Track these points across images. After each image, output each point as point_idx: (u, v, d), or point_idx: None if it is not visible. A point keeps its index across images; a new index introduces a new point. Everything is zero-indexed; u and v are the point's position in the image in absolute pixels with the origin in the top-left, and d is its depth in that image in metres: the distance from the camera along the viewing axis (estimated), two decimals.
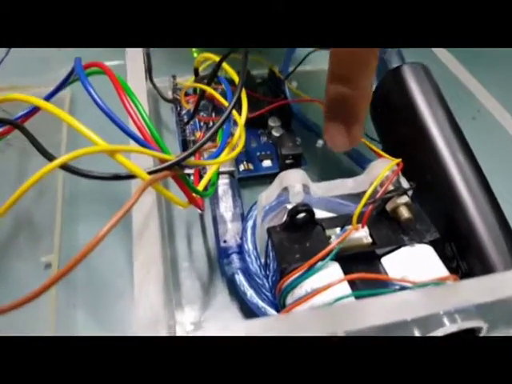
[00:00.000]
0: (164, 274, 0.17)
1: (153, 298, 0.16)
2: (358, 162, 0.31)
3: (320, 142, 0.35)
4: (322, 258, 0.20)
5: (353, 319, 0.15)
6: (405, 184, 0.24)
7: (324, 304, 0.19)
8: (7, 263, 0.26)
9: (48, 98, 0.24)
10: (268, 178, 0.32)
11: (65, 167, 0.18)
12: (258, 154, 0.32)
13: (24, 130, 0.21)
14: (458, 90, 0.31)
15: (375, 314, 0.16)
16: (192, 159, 0.21)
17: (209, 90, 0.27)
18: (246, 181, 0.31)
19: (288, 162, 0.31)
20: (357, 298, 0.19)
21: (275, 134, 0.33)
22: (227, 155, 0.24)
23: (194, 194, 0.22)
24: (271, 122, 0.34)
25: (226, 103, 0.26)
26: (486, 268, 0.22)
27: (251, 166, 0.32)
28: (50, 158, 0.20)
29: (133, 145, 0.20)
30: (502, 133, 0.36)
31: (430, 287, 0.19)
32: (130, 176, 0.19)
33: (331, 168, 0.33)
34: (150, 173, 0.19)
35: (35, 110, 0.23)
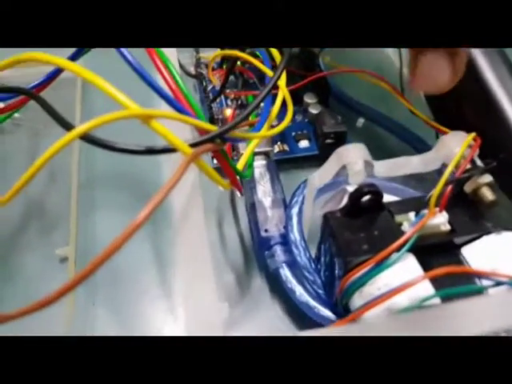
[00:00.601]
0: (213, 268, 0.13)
1: (206, 296, 0.12)
2: (407, 142, 0.28)
3: (361, 121, 0.31)
4: (397, 250, 0.16)
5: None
6: (479, 162, 0.20)
7: (407, 307, 0.15)
8: (19, 257, 0.23)
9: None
10: (305, 161, 0.28)
11: (86, 138, 0.15)
12: (294, 133, 0.29)
13: (40, 100, 0.18)
14: None
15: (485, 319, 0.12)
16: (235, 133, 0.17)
17: (246, 56, 0.24)
18: (281, 164, 0.28)
19: (329, 141, 0.27)
20: (442, 298, 0.16)
21: (312, 111, 0.29)
22: (270, 129, 0.21)
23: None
24: (307, 99, 0.30)
25: (268, 71, 0.23)
26: None
27: (286, 147, 0.28)
28: (68, 127, 0.16)
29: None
30: None
31: None
32: (168, 149, 0.15)
33: (376, 149, 0.30)
34: (192, 145, 0.15)
35: (52, 76, 0.20)
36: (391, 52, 0.37)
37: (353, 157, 0.19)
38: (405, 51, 0.32)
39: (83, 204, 0.25)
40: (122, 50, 0.15)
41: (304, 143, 0.29)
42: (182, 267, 0.13)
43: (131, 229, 0.12)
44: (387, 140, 0.30)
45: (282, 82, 0.22)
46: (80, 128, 0.14)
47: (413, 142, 0.27)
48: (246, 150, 0.20)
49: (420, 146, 0.27)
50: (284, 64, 0.19)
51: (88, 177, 0.26)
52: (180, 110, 0.16)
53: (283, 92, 0.21)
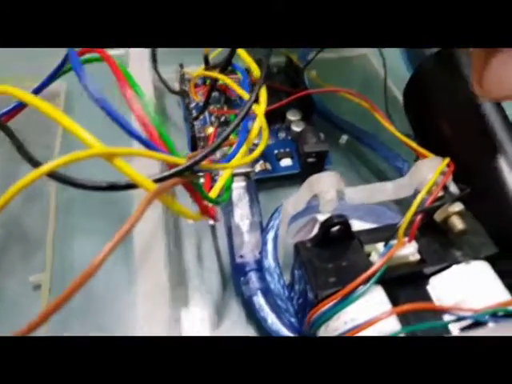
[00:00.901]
0: (170, 309, 0.13)
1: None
2: (388, 161, 0.28)
3: (344, 138, 0.31)
4: (364, 282, 0.16)
5: None
6: (453, 188, 0.20)
7: None
8: None
9: (37, 91, 0.20)
10: (287, 180, 0.28)
11: (53, 175, 0.15)
12: (276, 151, 0.29)
13: (6, 130, 0.18)
14: None
15: None
16: (204, 163, 0.17)
17: (223, 78, 0.24)
18: (263, 183, 0.28)
19: (310, 160, 0.27)
20: (406, 334, 0.16)
21: (295, 128, 0.29)
22: (244, 156, 0.21)
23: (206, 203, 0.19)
24: (290, 116, 0.30)
25: (244, 94, 0.23)
26: None
27: (268, 166, 0.28)
28: (34, 163, 0.16)
29: (136, 147, 0.16)
30: None
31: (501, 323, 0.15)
32: (132, 185, 0.15)
33: (358, 167, 0.30)
34: (156, 181, 0.15)
35: (21, 105, 0.20)
36: (377, 64, 0.37)
37: (324, 186, 0.19)
38: (390, 62, 0.32)
39: (61, 228, 0.25)
40: (90, 89, 0.15)
41: (286, 161, 0.29)
42: (142, 308, 0.13)
43: (94, 266, 0.12)
44: (370, 158, 0.30)
45: (261, 107, 0.22)
46: (46, 166, 0.14)
47: (394, 161, 0.27)
48: (220, 178, 0.20)
49: (401, 165, 0.27)
50: (258, 88, 0.19)
51: (66, 200, 0.26)
52: (147, 145, 0.16)
53: (260, 120, 0.21)
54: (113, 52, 0.33)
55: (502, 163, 0.21)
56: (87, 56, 0.19)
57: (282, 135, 0.30)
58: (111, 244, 0.13)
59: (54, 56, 0.19)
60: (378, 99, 0.31)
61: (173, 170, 0.15)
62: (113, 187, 0.15)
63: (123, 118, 0.16)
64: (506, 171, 0.21)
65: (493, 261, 0.19)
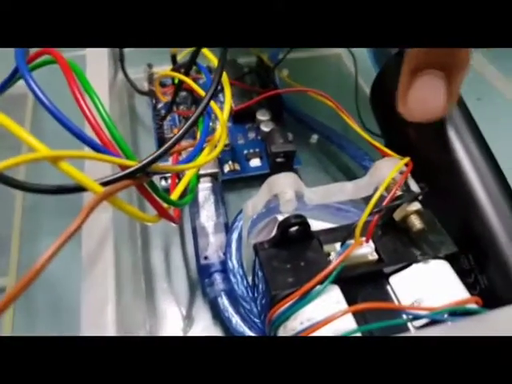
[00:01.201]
0: (117, 318, 0.13)
1: None
2: (356, 159, 0.28)
3: (314, 137, 0.31)
4: (320, 282, 0.16)
5: None
6: (414, 187, 0.20)
7: None
8: None
9: None
10: (257, 180, 0.28)
11: (2, 179, 0.15)
12: (246, 152, 0.29)
13: None
14: None
15: None
16: (168, 163, 0.17)
17: (186, 79, 0.23)
18: (233, 183, 0.28)
19: (279, 160, 0.27)
20: (363, 332, 0.16)
21: (264, 128, 0.29)
22: (206, 156, 0.21)
23: (166, 205, 0.19)
24: (260, 116, 0.30)
25: (204, 94, 0.22)
26: (509, 282, 0.19)
27: (238, 167, 0.28)
28: None
29: (87, 150, 0.16)
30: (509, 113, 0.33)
31: (457, 322, 0.15)
32: (80, 188, 0.15)
33: (327, 166, 0.30)
34: (104, 183, 0.15)
35: None
36: (349, 64, 0.37)
37: (283, 186, 0.19)
38: (360, 62, 0.32)
39: (27, 231, 0.25)
40: (37, 92, 0.15)
41: (255, 162, 0.28)
42: (84, 319, 0.13)
43: (33, 273, 0.12)
44: (340, 157, 0.30)
45: (225, 114, 0.21)
46: None
47: (361, 160, 0.27)
48: (184, 177, 0.20)
49: (368, 165, 0.27)
50: (211, 92, 0.19)
51: (33, 202, 0.26)
52: (97, 149, 0.16)
53: (221, 121, 0.21)
54: (75, 53, 0.32)
55: (464, 161, 0.21)
56: (41, 59, 0.18)
57: (251, 135, 0.30)
58: (53, 248, 0.13)
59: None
60: (350, 98, 0.31)
61: (122, 173, 0.15)
62: (61, 190, 0.15)
63: (71, 122, 0.15)
64: (468, 169, 0.21)
65: (452, 259, 0.19)
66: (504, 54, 0.34)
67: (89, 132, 0.16)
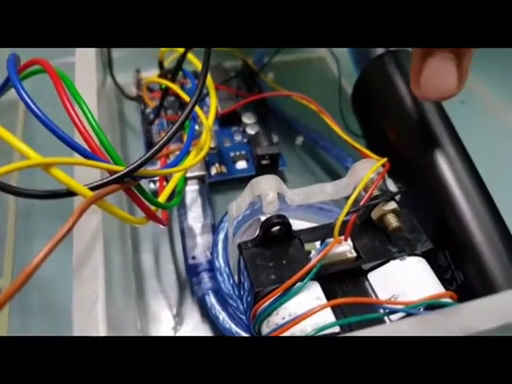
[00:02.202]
0: (107, 316, 0.14)
1: None
2: (340, 161, 0.29)
3: (299, 139, 0.32)
4: (301, 279, 0.17)
5: None
6: (392, 187, 0.21)
7: (305, 335, 0.16)
8: None
9: None
10: (243, 182, 0.29)
11: None
12: (232, 154, 0.30)
13: None
14: None
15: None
16: (156, 166, 0.18)
17: (172, 86, 0.24)
18: (219, 185, 0.29)
19: (264, 162, 0.28)
20: (341, 326, 0.17)
21: (250, 131, 0.30)
22: (192, 159, 0.21)
23: (155, 208, 0.19)
24: (245, 119, 0.31)
25: (187, 99, 0.23)
26: (483, 277, 0.20)
27: (224, 169, 0.29)
28: None
29: (77, 156, 0.17)
30: (490, 118, 0.34)
31: (427, 315, 0.16)
32: (71, 193, 0.16)
33: (312, 167, 0.31)
34: (93, 188, 0.16)
35: None
36: (334, 66, 0.38)
37: (265, 188, 0.19)
38: (344, 65, 0.33)
39: (20, 233, 0.25)
40: (27, 101, 0.16)
41: (241, 164, 0.29)
42: (76, 318, 0.14)
43: (26, 273, 0.13)
44: (324, 158, 0.31)
45: (210, 119, 0.22)
46: None
47: (344, 161, 0.28)
48: (171, 180, 0.21)
49: (350, 166, 0.27)
50: (196, 98, 0.19)
51: (26, 205, 0.27)
52: (85, 155, 0.16)
53: (206, 126, 0.22)
54: (66, 60, 0.33)
55: (441, 160, 0.22)
56: (31, 68, 0.19)
57: (237, 138, 0.31)
58: (45, 250, 0.13)
59: None
60: (334, 100, 0.32)
61: (109, 178, 0.16)
62: (53, 195, 0.16)
63: (61, 130, 0.16)
64: (444, 168, 0.22)
65: (429, 256, 0.19)
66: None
67: (78, 139, 0.17)
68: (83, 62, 0.22)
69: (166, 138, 0.18)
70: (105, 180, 0.16)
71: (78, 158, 0.16)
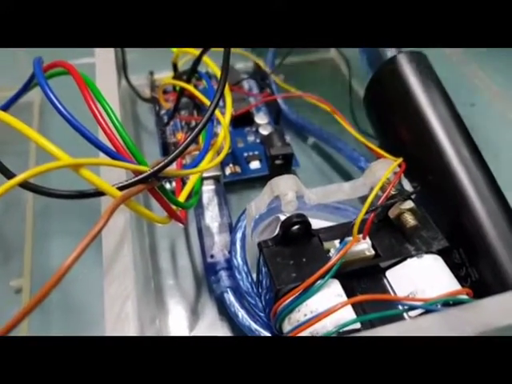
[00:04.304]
0: (138, 310, 0.14)
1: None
2: (352, 161, 0.29)
3: (311, 140, 0.32)
4: (322, 277, 0.18)
5: None
6: (407, 186, 0.22)
7: (327, 332, 0.16)
8: None
9: (7, 105, 0.21)
10: (257, 182, 0.29)
11: (24, 185, 0.16)
12: (246, 154, 0.30)
13: None
14: (456, 76, 0.29)
15: None
16: (171, 168, 0.18)
17: (188, 87, 0.25)
18: (233, 185, 0.29)
19: (278, 162, 0.29)
20: (362, 322, 0.17)
21: (263, 132, 0.30)
22: (210, 161, 0.22)
23: (174, 207, 0.20)
24: (258, 119, 0.31)
25: (208, 102, 0.23)
26: (498, 275, 0.20)
27: (238, 169, 0.29)
28: (8, 176, 0.17)
29: (103, 156, 0.17)
30: (500, 120, 0.35)
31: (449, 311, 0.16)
32: (99, 193, 0.16)
33: (324, 167, 0.31)
34: (120, 188, 0.16)
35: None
36: (343, 67, 0.38)
37: (284, 188, 0.20)
38: (354, 65, 0.33)
39: (38, 233, 0.26)
40: (56, 103, 0.16)
41: (255, 164, 0.30)
42: (108, 313, 0.14)
43: (61, 272, 0.13)
44: (336, 158, 0.31)
45: (226, 119, 0.23)
46: (18, 177, 0.15)
47: (357, 161, 0.28)
48: (189, 181, 0.21)
49: (364, 166, 0.28)
50: (215, 103, 0.20)
51: (44, 205, 0.27)
52: (112, 155, 0.17)
53: (224, 128, 0.22)
54: (82, 61, 0.33)
55: (454, 160, 0.23)
56: (54, 70, 0.19)
57: (250, 138, 0.31)
58: (78, 249, 0.14)
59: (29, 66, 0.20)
60: (343, 99, 0.32)
61: (136, 178, 0.16)
62: (83, 195, 0.16)
63: (88, 131, 0.16)
64: (458, 167, 0.22)
65: (444, 254, 0.20)
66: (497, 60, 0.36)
67: (102, 139, 0.17)
68: (103, 65, 0.23)
69: (187, 141, 0.18)
70: (132, 180, 0.16)
71: (105, 158, 0.17)
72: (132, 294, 0.14)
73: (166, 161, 0.17)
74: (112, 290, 0.14)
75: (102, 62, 0.23)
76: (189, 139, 0.18)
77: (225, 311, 0.23)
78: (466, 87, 0.34)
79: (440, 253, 0.20)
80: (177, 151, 0.18)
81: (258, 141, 0.31)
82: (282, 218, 0.20)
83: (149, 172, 0.17)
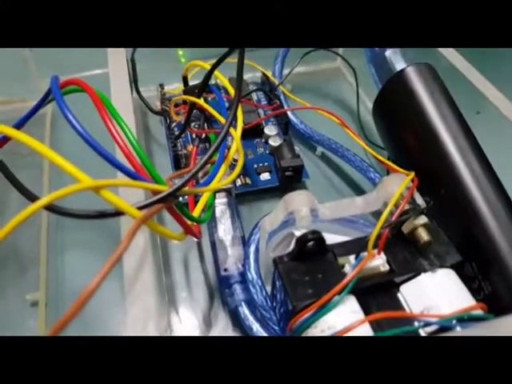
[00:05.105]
0: (161, 328, 0.14)
1: None
2: (361, 171, 0.29)
3: (319, 150, 0.33)
4: (338, 293, 0.18)
5: None
6: (419, 199, 0.22)
7: None
8: None
9: (22, 122, 0.21)
10: (267, 193, 0.30)
11: (48, 208, 0.16)
12: (256, 166, 0.30)
13: (4, 170, 0.19)
14: (462, 85, 0.29)
15: None
16: (186, 187, 0.19)
17: (200, 102, 0.25)
18: (244, 196, 0.29)
19: (288, 174, 0.29)
20: None
21: (273, 143, 0.31)
22: (224, 174, 0.22)
23: (189, 222, 0.20)
24: (267, 131, 0.31)
25: (221, 118, 0.24)
26: (510, 287, 0.20)
27: (248, 180, 0.29)
28: (32, 198, 0.17)
29: (121, 176, 0.18)
30: (507, 128, 0.35)
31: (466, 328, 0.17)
32: (119, 213, 0.16)
33: (332, 178, 0.31)
34: (140, 208, 0.16)
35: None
36: (350, 77, 0.38)
37: (298, 204, 0.20)
38: (360, 74, 0.34)
39: (53, 246, 0.26)
40: (75, 124, 0.17)
41: (265, 176, 0.30)
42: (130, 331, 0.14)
43: (86, 295, 0.13)
44: (345, 169, 0.32)
45: (238, 133, 0.23)
46: (42, 201, 0.15)
47: (367, 172, 0.29)
48: (202, 198, 0.22)
49: (373, 177, 0.28)
50: (229, 123, 0.20)
51: (58, 217, 0.27)
52: (130, 175, 0.17)
53: (236, 143, 0.22)
54: (94, 72, 0.33)
55: (465, 173, 0.23)
56: (69, 87, 0.20)
57: (260, 150, 0.31)
58: (103, 272, 0.14)
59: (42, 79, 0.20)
60: (353, 111, 0.32)
61: (155, 198, 0.17)
62: (103, 215, 0.16)
63: (106, 151, 0.17)
64: (469, 182, 0.23)
65: (457, 268, 0.20)
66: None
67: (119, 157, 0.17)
68: (117, 76, 0.23)
69: (203, 160, 0.19)
70: (151, 200, 0.17)
71: (124, 179, 0.17)
72: (154, 316, 0.14)
73: (183, 181, 0.18)
74: (134, 310, 0.15)
75: (115, 72, 0.23)
76: (203, 160, 0.19)
77: (238, 324, 0.23)
78: (472, 95, 0.34)
79: (453, 267, 0.20)
80: (192, 172, 0.18)
81: (267, 152, 0.31)
82: (296, 233, 0.20)
83: (168, 191, 0.17)
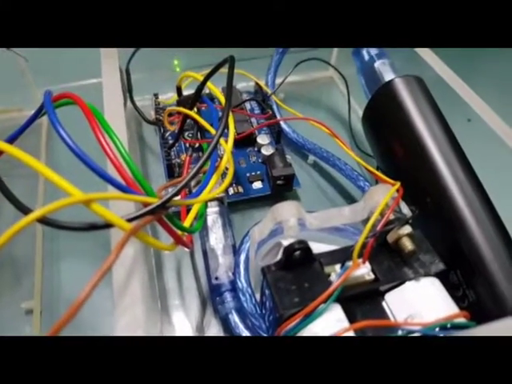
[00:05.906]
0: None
1: None
2: (352, 180, 0.30)
3: (311, 158, 0.33)
4: (323, 301, 0.18)
5: None
6: (405, 209, 0.22)
7: None
8: None
9: (18, 134, 0.22)
10: (259, 201, 0.30)
11: (40, 220, 0.17)
12: (248, 175, 0.31)
13: None
14: (450, 96, 0.30)
15: None
16: (177, 198, 0.19)
17: (192, 114, 0.25)
18: (236, 205, 0.30)
19: (279, 183, 0.29)
20: None
21: (265, 152, 0.31)
22: (215, 185, 0.23)
23: (180, 232, 0.21)
24: (260, 140, 0.32)
25: (212, 130, 0.24)
26: (494, 297, 0.21)
27: (241, 189, 0.30)
28: (25, 211, 0.18)
29: (112, 189, 0.18)
30: (495, 139, 0.35)
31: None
32: (109, 225, 0.17)
33: (323, 186, 0.32)
34: (130, 220, 0.17)
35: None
36: (342, 86, 0.39)
37: (286, 214, 0.20)
38: (352, 83, 0.34)
39: (48, 253, 0.27)
40: (66, 138, 0.17)
41: (257, 184, 0.30)
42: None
43: (76, 305, 0.14)
44: (335, 177, 0.32)
45: (229, 144, 0.23)
46: (35, 214, 0.15)
47: (356, 181, 0.29)
48: (193, 208, 0.22)
49: (363, 185, 0.29)
50: (218, 136, 0.20)
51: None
52: (120, 188, 0.18)
53: (227, 155, 0.23)
54: (89, 81, 0.34)
55: (450, 182, 0.23)
56: (62, 100, 0.20)
57: (253, 159, 0.32)
58: (91, 283, 0.14)
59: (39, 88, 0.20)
60: (344, 120, 0.33)
61: (144, 210, 0.17)
62: (93, 227, 0.17)
63: (96, 165, 0.17)
64: (454, 189, 0.23)
65: (442, 276, 0.21)
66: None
67: (110, 170, 0.18)
68: (110, 86, 0.23)
69: (192, 172, 0.19)
70: (141, 212, 0.17)
71: (115, 192, 0.17)
72: (142, 326, 0.15)
73: (172, 192, 0.18)
74: (123, 321, 0.15)
75: (108, 82, 0.23)
76: (193, 172, 0.19)
77: (229, 331, 0.24)
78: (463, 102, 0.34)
79: (437, 275, 0.20)
80: (182, 184, 0.19)
81: (260, 161, 0.32)
82: (284, 242, 0.21)
83: (156, 203, 0.17)
